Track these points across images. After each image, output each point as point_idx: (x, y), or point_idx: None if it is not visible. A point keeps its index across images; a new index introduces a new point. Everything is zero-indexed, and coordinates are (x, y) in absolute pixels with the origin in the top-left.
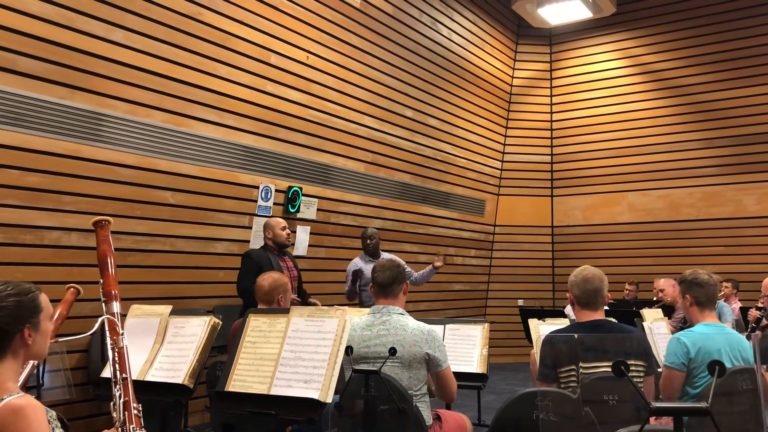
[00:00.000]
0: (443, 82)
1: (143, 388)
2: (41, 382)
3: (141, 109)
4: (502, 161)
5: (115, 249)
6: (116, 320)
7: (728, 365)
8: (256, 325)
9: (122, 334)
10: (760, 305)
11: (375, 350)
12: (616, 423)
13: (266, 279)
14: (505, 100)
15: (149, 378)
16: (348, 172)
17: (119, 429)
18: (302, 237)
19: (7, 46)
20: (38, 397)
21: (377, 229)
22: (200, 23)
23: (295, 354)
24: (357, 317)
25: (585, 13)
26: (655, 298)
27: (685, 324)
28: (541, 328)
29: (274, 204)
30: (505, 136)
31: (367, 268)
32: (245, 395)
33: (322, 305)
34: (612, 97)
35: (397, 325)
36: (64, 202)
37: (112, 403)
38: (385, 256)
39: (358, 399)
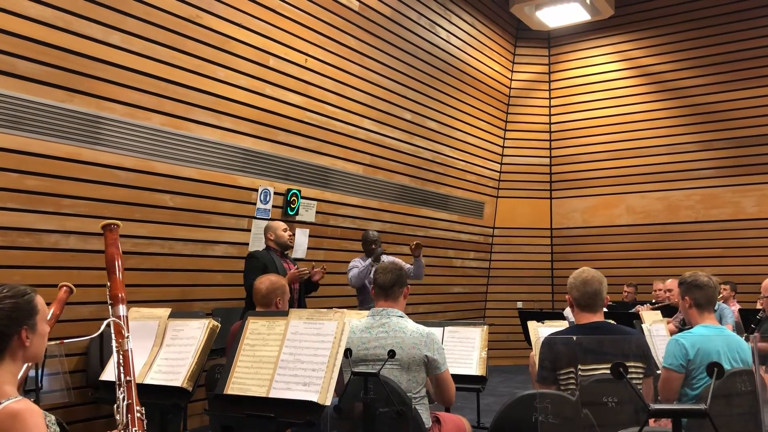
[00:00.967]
0: (442, 85)
1: (142, 391)
2: (40, 385)
3: (140, 112)
4: (501, 163)
5: None
6: (122, 323)
7: (727, 367)
8: (254, 327)
9: (128, 337)
10: (759, 306)
11: (374, 352)
12: (615, 425)
13: (264, 282)
14: (504, 103)
15: (148, 381)
16: (347, 175)
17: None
18: (301, 239)
19: (6, 50)
20: (37, 401)
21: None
22: (199, 26)
23: (293, 356)
24: (356, 320)
25: (583, 16)
26: (653, 300)
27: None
28: (540, 330)
29: (273, 207)
30: (504, 139)
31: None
32: (244, 398)
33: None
34: (610, 100)
35: (396, 327)
36: (63, 205)
37: (115, 406)
38: (385, 259)
39: (357, 401)
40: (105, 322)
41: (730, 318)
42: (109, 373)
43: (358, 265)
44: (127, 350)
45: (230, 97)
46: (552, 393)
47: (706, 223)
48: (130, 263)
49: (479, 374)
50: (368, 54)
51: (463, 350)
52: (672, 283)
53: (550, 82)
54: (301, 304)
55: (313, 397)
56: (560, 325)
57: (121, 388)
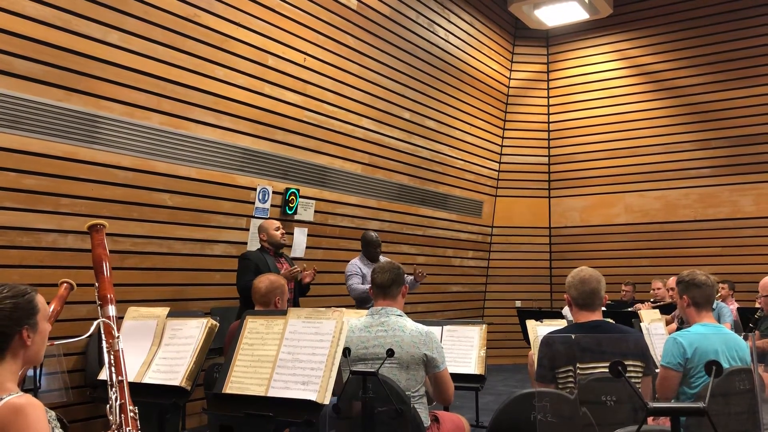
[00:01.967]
0: (440, 84)
1: (140, 391)
2: (38, 384)
3: (138, 111)
4: (500, 162)
5: (113, 251)
6: (112, 323)
7: (725, 365)
8: (253, 326)
9: (118, 337)
10: (757, 305)
11: (373, 351)
12: (614, 424)
13: (263, 281)
14: (502, 102)
15: (146, 380)
16: (345, 174)
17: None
18: (300, 239)
19: (3, 48)
20: None
21: (375, 231)
22: (197, 25)
23: (292, 356)
24: (355, 319)
25: (582, 15)
26: (652, 299)
27: (681, 324)
28: (538, 329)
29: (272, 206)
30: (503, 138)
31: (368, 271)
32: (243, 397)
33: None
34: (609, 99)
35: (395, 326)
36: (61, 205)
37: (108, 406)
38: (382, 259)
39: (356, 400)
40: (95, 323)
41: (729, 317)
42: (105, 373)
43: (357, 271)
44: (118, 350)
45: (229, 97)
46: (550, 392)
47: (704, 222)
48: (128, 262)
49: (478, 373)
50: (367, 53)
51: (462, 349)
52: (674, 282)
53: (548, 81)
54: (296, 304)
55: (312, 396)
56: (559, 324)
57: (113, 389)
